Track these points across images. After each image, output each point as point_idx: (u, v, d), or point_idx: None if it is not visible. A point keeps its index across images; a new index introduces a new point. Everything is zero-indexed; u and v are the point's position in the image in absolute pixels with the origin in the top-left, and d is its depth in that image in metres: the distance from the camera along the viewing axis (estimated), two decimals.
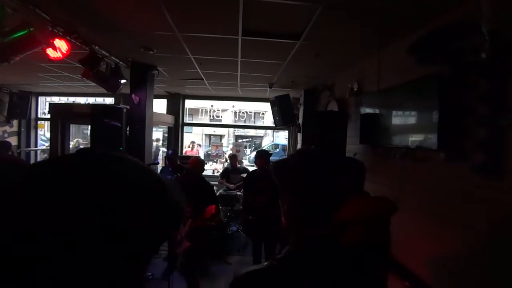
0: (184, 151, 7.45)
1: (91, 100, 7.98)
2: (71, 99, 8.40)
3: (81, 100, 7.96)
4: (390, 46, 2.73)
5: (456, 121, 1.87)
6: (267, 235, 3.59)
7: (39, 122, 7.45)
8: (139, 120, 4.16)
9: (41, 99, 7.50)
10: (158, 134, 9.90)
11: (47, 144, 6.93)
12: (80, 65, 3.15)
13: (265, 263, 0.78)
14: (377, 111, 2.85)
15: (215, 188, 4.31)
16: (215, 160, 9.15)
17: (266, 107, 7.74)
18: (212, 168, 8.22)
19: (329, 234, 0.80)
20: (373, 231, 0.85)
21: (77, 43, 2.81)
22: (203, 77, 4.75)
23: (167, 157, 4.84)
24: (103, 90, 3.83)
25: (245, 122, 15.33)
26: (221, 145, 10.62)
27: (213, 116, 15.06)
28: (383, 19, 2.22)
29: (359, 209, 0.87)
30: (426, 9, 2.03)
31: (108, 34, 2.86)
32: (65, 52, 2.63)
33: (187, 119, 8.24)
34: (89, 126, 4.40)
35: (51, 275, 0.36)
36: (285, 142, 8.92)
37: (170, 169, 4.45)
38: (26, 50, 2.43)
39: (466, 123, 1.81)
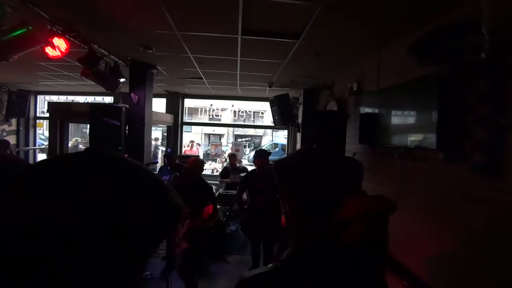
0: (183, 150, 7.45)
1: (90, 99, 7.96)
2: (70, 98, 8.38)
3: (80, 99, 7.95)
4: (390, 46, 2.73)
5: (456, 121, 1.88)
6: (266, 235, 3.59)
7: (37, 121, 7.44)
8: (138, 119, 4.15)
9: (40, 97, 7.49)
10: (157, 133, 9.89)
11: (46, 143, 6.91)
12: (79, 64, 3.14)
13: (269, 265, 0.78)
14: (376, 110, 2.85)
15: (214, 188, 4.31)
16: (215, 160, 9.15)
17: (265, 106, 7.75)
18: (212, 168, 8.22)
19: (330, 234, 0.80)
20: (373, 229, 0.85)
21: (76, 41, 2.80)
22: (203, 76, 4.75)
23: (165, 156, 4.83)
24: (102, 89, 3.83)
25: (244, 122, 15.31)
26: (221, 145, 10.63)
27: (212, 115, 15.05)
28: (383, 18, 2.22)
29: (358, 207, 0.87)
30: (426, 9, 2.03)
31: (107, 33, 2.85)
32: (64, 51, 2.62)
33: (186, 118, 8.23)
34: (88, 125, 4.39)
35: (51, 274, 0.36)
36: (285, 141, 8.93)
37: (168, 168, 4.44)
38: (25, 48, 2.43)
39: (466, 123, 1.81)
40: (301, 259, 0.77)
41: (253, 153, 5.22)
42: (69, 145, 6.40)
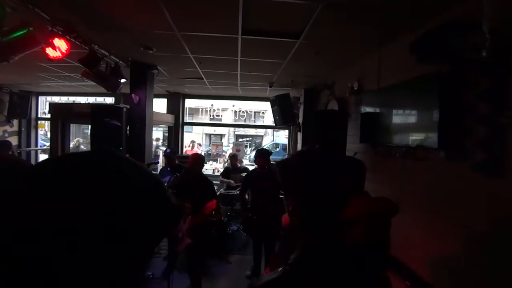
0: (184, 151, 7.45)
1: (91, 99, 7.98)
2: (71, 99, 8.40)
3: (82, 99, 7.96)
4: (391, 45, 2.73)
5: (457, 119, 1.87)
6: (267, 234, 3.59)
7: (39, 121, 7.45)
8: (139, 120, 4.16)
9: (41, 98, 7.51)
10: (158, 133, 9.90)
11: (48, 143, 6.94)
12: (80, 65, 3.15)
13: (279, 269, 0.77)
14: (377, 110, 2.84)
15: (215, 187, 4.31)
16: (216, 160, 9.15)
17: (266, 106, 7.74)
18: (213, 168, 8.22)
19: (333, 234, 0.80)
20: (374, 231, 0.85)
21: (76, 42, 2.81)
22: (203, 76, 4.75)
23: (164, 156, 4.82)
24: (103, 90, 3.83)
25: (245, 122, 15.31)
26: (222, 145, 10.62)
27: (213, 115, 15.04)
28: (384, 17, 2.22)
29: (360, 209, 0.87)
30: (426, 7, 2.03)
31: (108, 33, 2.85)
32: (64, 52, 2.62)
33: (187, 119, 8.23)
34: (90, 126, 4.40)
35: (51, 275, 0.36)
36: (286, 141, 8.92)
37: (168, 169, 4.42)
38: (26, 49, 2.43)
39: (467, 121, 1.80)
40: (310, 262, 0.77)
41: (254, 153, 5.21)
42: (71, 145, 6.42)
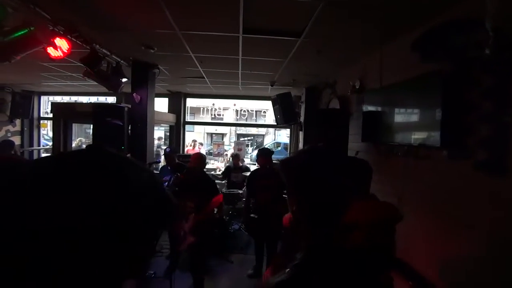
0: (185, 150, 7.46)
1: (93, 99, 8.00)
2: (73, 98, 8.43)
3: (83, 99, 7.98)
4: (393, 43, 2.71)
5: (459, 118, 1.85)
6: (269, 234, 3.59)
7: (41, 121, 7.49)
8: (141, 119, 4.16)
9: (43, 98, 7.55)
10: (159, 132, 9.92)
11: (50, 143, 6.97)
12: (82, 64, 3.15)
13: (287, 270, 0.77)
14: (379, 108, 2.83)
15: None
16: (217, 159, 9.16)
17: (267, 105, 7.72)
18: (214, 167, 8.23)
19: (335, 236, 0.79)
20: (376, 237, 0.83)
21: (78, 42, 2.81)
22: (204, 76, 4.75)
23: (164, 155, 4.82)
24: (104, 89, 3.84)
25: (246, 121, 15.31)
26: (223, 144, 10.64)
27: (214, 114, 15.06)
28: (385, 15, 2.20)
29: (363, 213, 0.85)
30: (429, 5, 2.01)
31: (109, 33, 2.85)
32: (66, 51, 2.63)
33: (188, 118, 8.24)
34: (91, 125, 4.41)
35: (52, 274, 0.36)
36: (287, 140, 8.91)
37: (168, 168, 4.43)
38: (27, 49, 2.44)
39: (470, 120, 1.79)
40: (316, 263, 0.76)
41: (255, 152, 5.21)
42: (73, 145, 6.44)
